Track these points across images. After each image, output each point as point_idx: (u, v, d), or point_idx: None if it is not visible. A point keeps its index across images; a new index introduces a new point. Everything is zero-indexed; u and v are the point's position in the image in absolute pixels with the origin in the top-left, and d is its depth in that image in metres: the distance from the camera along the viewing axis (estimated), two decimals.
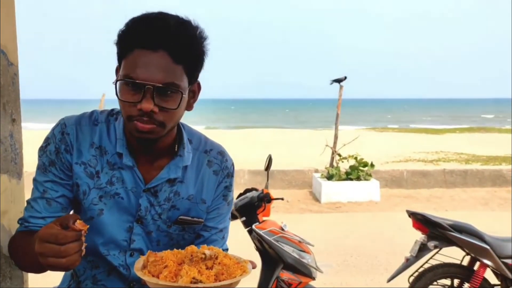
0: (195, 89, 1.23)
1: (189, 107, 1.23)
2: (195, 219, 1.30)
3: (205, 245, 1.11)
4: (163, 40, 1.08)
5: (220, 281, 0.98)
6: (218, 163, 1.33)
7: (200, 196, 1.30)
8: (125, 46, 1.11)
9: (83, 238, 1.00)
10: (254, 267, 1.06)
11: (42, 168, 1.23)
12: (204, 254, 1.04)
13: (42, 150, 1.23)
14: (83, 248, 1.00)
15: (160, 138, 1.19)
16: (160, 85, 1.09)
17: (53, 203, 1.22)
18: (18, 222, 1.26)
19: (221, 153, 1.35)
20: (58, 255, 0.96)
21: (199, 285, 0.96)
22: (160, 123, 1.13)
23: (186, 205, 1.29)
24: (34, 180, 1.24)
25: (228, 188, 1.35)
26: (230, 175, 1.35)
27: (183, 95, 1.14)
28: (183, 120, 1.32)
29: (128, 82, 1.10)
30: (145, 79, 1.08)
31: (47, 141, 1.24)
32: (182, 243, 1.30)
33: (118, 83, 1.12)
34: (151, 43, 1.08)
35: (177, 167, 1.26)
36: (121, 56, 1.14)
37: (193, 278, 0.97)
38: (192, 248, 1.07)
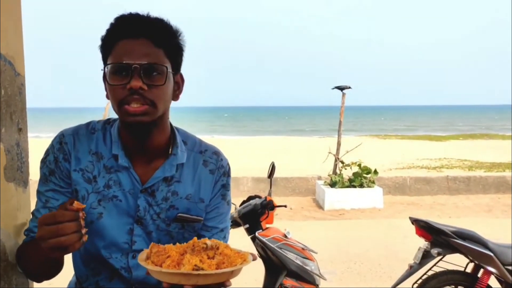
0: (178, 81, 1.31)
1: (175, 97, 1.30)
2: (194, 216, 1.33)
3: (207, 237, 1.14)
4: (144, 29, 1.18)
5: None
6: (214, 163, 1.36)
7: (198, 195, 1.33)
8: (110, 41, 1.20)
9: (82, 222, 1.04)
10: (254, 259, 1.08)
11: (43, 178, 1.28)
12: (206, 244, 1.06)
13: (43, 161, 1.29)
14: (83, 232, 1.04)
15: (153, 126, 1.24)
16: (145, 62, 1.17)
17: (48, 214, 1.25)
18: (24, 234, 1.29)
19: (216, 153, 1.39)
20: (56, 234, 1.00)
21: (201, 272, 0.97)
22: (151, 102, 1.18)
23: (185, 205, 1.32)
24: (37, 191, 1.29)
25: (226, 187, 1.38)
26: (226, 173, 1.38)
27: (168, 70, 1.21)
28: (180, 125, 1.38)
29: (115, 68, 1.17)
30: (131, 61, 1.16)
31: (47, 152, 1.29)
32: (183, 242, 1.33)
33: (107, 71, 1.19)
34: (134, 32, 1.18)
35: (172, 165, 1.30)
36: (107, 53, 1.21)
37: (195, 265, 0.99)
38: (194, 240, 1.09)
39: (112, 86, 1.18)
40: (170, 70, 1.22)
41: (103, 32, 1.23)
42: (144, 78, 1.16)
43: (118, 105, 1.19)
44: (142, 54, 1.17)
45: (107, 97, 1.24)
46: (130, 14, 1.21)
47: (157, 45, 1.19)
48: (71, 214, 1.02)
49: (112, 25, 1.22)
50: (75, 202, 1.03)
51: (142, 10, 1.23)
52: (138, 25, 1.19)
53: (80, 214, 1.03)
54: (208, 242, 1.07)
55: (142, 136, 1.25)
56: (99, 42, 1.24)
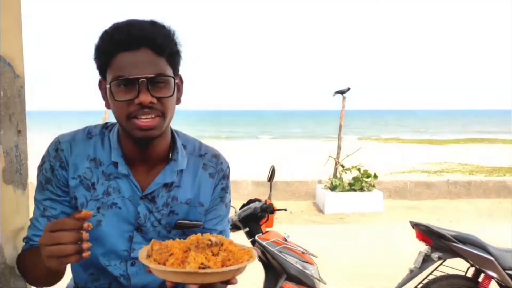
0: (178, 83, 1.26)
1: (177, 101, 1.26)
2: (194, 222, 1.31)
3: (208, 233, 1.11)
4: (143, 38, 1.13)
5: (226, 266, 0.97)
6: (214, 166, 1.35)
7: (198, 199, 1.32)
8: (107, 54, 1.14)
9: (86, 235, 1.00)
10: (258, 254, 1.06)
11: (40, 186, 1.26)
12: (210, 240, 1.03)
13: (39, 168, 1.26)
14: (84, 246, 0.99)
15: (158, 137, 1.21)
16: (153, 75, 1.13)
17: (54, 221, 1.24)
18: (23, 241, 1.28)
19: (216, 156, 1.37)
20: (53, 241, 0.97)
21: (207, 270, 0.95)
22: (162, 113, 1.16)
23: (185, 210, 1.30)
24: (34, 198, 1.27)
25: (225, 189, 1.37)
26: (226, 177, 1.36)
27: (175, 81, 1.19)
28: (179, 129, 1.36)
29: (120, 82, 1.13)
30: (136, 74, 1.12)
31: (43, 159, 1.26)
32: None
33: (111, 86, 1.14)
34: (133, 44, 1.12)
35: (172, 171, 1.28)
36: (104, 65, 1.16)
37: (201, 263, 0.96)
38: (196, 236, 1.06)
39: (119, 102, 1.14)
40: (175, 79, 1.19)
41: (96, 41, 1.17)
42: (152, 91, 1.13)
43: (126, 118, 1.15)
44: (145, 65, 1.12)
45: (107, 106, 1.21)
46: (124, 23, 1.15)
47: (158, 53, 1.14)
48: (72, 223, 0.98)
49: (106, 36, 1.15)
50: (83, 211, 1.00)
51: (139, 15, 1.20)
52: (135, 35, 1.12)
53: (85, 225, 0.99)
54: (213, 238, 1.04)
55: (146, 146, 1.23)
56: (93, 51, 1.18)
